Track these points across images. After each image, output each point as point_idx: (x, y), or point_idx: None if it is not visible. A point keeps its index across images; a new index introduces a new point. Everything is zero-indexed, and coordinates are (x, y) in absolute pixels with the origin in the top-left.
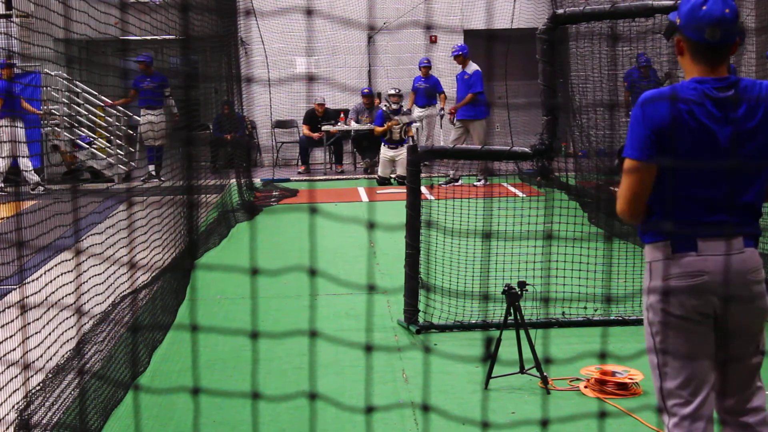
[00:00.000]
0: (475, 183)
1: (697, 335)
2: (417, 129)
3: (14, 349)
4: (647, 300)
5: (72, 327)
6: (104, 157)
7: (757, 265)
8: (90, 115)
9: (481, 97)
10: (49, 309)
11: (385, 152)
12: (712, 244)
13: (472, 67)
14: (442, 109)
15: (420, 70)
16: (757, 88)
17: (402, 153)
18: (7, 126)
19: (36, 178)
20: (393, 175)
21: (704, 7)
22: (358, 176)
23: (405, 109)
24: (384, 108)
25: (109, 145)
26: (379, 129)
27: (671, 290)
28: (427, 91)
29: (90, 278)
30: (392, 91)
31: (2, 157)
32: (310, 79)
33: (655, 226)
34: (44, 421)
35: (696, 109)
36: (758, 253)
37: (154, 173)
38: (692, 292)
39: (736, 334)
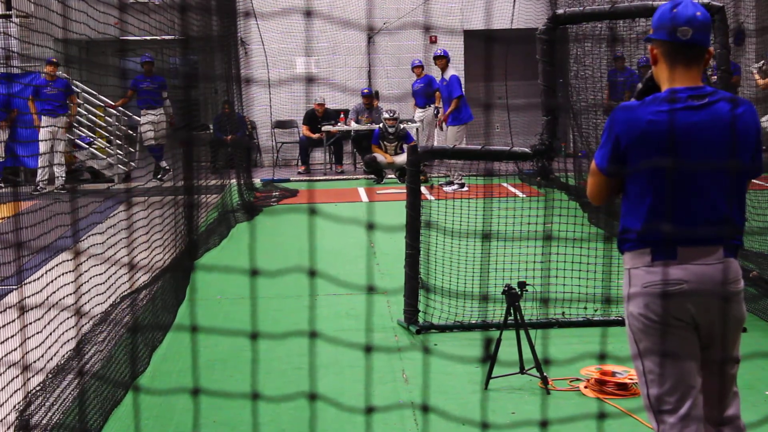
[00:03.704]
0: (446, 189)
1: (679, 339)
2: (417, 130)
3: (14, 350)
4: (627, 307)
5: (72, 327)
6: (104, 157)
7: (736, 276)
8: (90, 116)
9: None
10: (49, 309)
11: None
12: (693, 253)
13: (448, 72)
14: (437, 108)
15: (413, 71)
16: (730, 104)
17: (402, 155)
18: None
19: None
20: (391, 174)
21: (675, 10)
22: (358, 176)
23: (401, 128)
24: (380, 128)
25: (108, 145)
26: (374, 147)
27: (650, 297)
28: (425, 92)
29: (90, 279)
30: (387, 115)
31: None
32: (310, 79)
33: (635, 235)
34: (44, 422)
35: (672, 117)
36: (738, 264)
37: (168, 168)
38: (671, 299)
39: (713, 343)
